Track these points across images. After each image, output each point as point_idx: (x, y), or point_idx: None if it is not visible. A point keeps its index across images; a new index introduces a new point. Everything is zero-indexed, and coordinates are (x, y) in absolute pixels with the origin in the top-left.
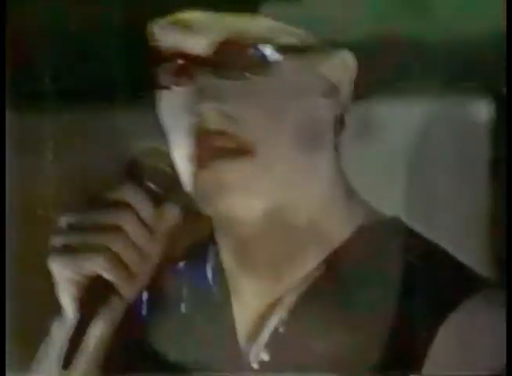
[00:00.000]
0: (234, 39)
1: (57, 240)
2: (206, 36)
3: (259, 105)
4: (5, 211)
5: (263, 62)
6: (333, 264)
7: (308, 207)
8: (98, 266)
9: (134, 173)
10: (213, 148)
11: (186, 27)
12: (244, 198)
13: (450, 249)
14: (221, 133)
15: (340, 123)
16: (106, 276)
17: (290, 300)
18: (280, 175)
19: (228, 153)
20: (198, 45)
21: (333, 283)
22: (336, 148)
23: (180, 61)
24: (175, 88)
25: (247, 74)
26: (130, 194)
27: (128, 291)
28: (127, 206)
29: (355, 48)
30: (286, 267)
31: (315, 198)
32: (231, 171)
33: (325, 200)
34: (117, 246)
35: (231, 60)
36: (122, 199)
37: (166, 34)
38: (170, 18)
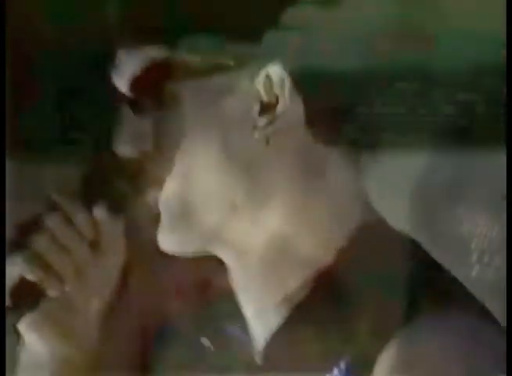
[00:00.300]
0: (144, 73)
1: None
2: (124, 74)
3: (175, 136)
4: (6, 212)
5: (169, 95)
6: (320, 283)
7: (270, 223)
8: (19, 267)
9: (87, 188)
10: (137, 187)
11: (115, 66)
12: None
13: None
14: (139, 172)
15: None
16: (27, 276)
17: (267, 329)
18: (206, 198)
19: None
20: (120, 84)
21: (320, 307)
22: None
23: (117, 102)
24: None
25: (158, 107)
26: (62, 199)
27: (56, 292)
28: (56, 209)
29: (352, 76)
30: (265, 291)
31: (275, 214)
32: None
33: (292, 213)
34: (40, 246)
35: (144, 95)
36: (54, 203)
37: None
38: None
